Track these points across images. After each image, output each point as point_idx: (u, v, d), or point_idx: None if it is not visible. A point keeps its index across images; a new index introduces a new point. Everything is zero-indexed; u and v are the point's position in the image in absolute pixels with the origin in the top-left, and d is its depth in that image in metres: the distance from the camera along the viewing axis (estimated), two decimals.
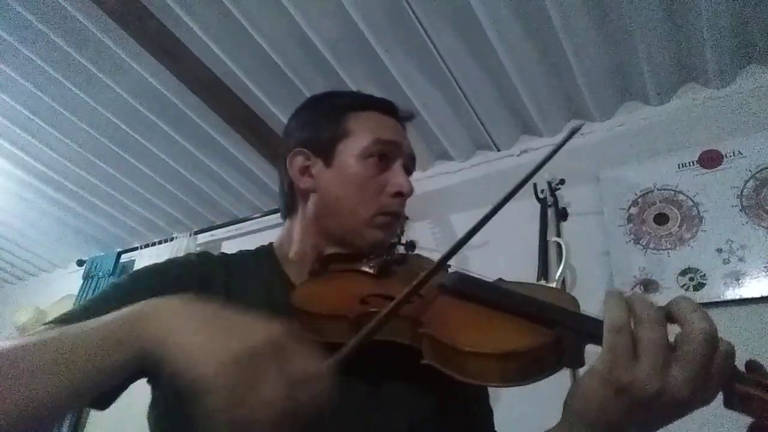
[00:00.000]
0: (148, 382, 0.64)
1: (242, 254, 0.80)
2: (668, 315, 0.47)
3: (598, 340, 0.50)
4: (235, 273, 0.72)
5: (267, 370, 0.39)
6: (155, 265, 0.71)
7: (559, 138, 2.01)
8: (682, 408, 0.46)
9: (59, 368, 0.42)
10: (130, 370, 0.44)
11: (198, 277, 0.69)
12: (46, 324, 0.57)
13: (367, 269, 0.71)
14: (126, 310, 0.45)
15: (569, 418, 0.52)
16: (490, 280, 0.66)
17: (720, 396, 0.47)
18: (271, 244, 0.82)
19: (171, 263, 0.72)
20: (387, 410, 0.63)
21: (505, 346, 0.51)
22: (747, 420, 0.46)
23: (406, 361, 0.61)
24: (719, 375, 0.45)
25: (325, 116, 0.78)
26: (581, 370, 0.53)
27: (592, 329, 0.51)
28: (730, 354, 0.45)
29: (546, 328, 0.53)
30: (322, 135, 0.76)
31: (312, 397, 0.41)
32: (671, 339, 0.46)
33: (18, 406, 0.40)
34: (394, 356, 0.61)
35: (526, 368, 0.51)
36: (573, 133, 0.65)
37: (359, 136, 0.75)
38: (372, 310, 0.59)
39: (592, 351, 0.55)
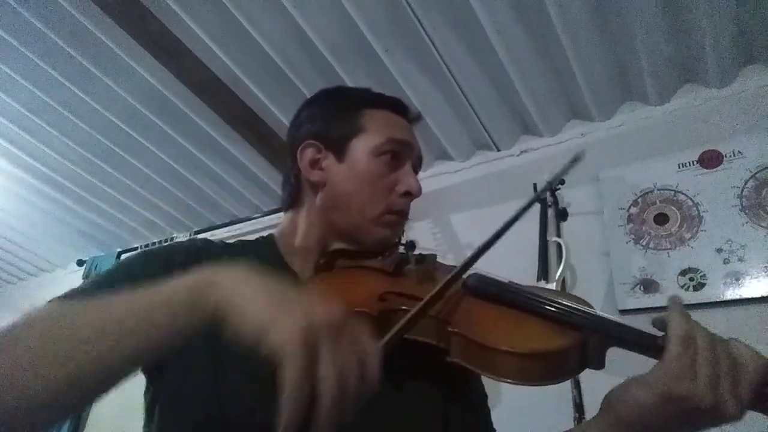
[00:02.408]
0: (147, 377, 0.64)
1: (243, 244, 0.79)
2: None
3: (625, 344, 0.52)
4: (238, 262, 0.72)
5: (330, 344, 0.40)
6: (162, 248, 0.71)
7: (559, 138, 2.02)
8: (722, 420, 0.48)
9: (129, 328, 0.43)
10: (192, 333, 0.45)
11: (205, 263, 0.68)
12: (59, 299, 0.58)
13: (381, 267, 0.71)
14: (190, 277, 0.46)
15: (612, 418, 0.54)
16: (509, 282, 0.67)
17: None
18: (271, 235, 0.81)
19: (177, 248, 0.71)
20: (397, 409, 0.63)
21: (538, 346, 0.53)
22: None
23: (419, 361, 0.61)
24: (753, 386, 0.48)
25: (339, 111, 0.78)
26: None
27: (620, 334, 0.53)
28: (758, 362, 0.49)
29: (573, 330, 0.54)
30: (334, 129, 0.77)
31: (365, 377, 0.42)
32: None
33: (83, 365, 0.41)
34: (408, 357, 0.61)
35: (554, 368, 0.53)
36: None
37: (373, 134, 0.75)
38: (395, 307, 0.59)
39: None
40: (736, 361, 0.48)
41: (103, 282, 0.63)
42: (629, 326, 0.54)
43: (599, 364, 0.54)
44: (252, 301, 0.43)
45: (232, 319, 0.43)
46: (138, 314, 0.44)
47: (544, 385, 0.53)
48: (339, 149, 0.76)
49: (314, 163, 0.77)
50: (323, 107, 0.81)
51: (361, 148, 0.75)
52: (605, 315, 0.56)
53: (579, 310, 0.57)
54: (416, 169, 0.80)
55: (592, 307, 0.60)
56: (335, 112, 0.78)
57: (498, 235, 0.60)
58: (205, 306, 0.44)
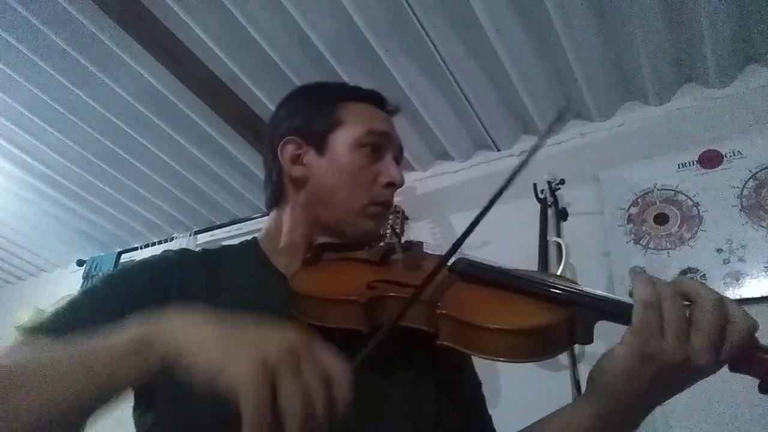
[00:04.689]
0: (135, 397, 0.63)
1: (224, 249, 0.78)
2: (681, 293, 0.51)
3: (610, 317, 0.53)
4: (218, 269, 0.70)
5: (289, 372, 0.40)
6: (131, 266, 0.69)
7: (559, 138, 2.02)
8: (700, 374, 0.50)
9: (79, 378, 0.43)
10: (143, 381, 0.45)
11: (178, 276, 0.67)
12: (25, 331, 0.56)
13: (368, 257, 0.71)
14: (134, 329, 0.46)
15: (595, 389, 0.55)
16: (495, 265, 0.67)
17: None
18: (254, 238, 0.80)
19: (147, 264, 0.70)
20: (389, 397, 0.63)
21: (525, 322, 0.53)
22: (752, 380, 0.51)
23: (409, 349, 0.61)
24: (736, 340, 0.48)
25: (317, 105, 0.78)
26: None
27: (605, 306, 0.54)
28: (753, 326, 0.49)
29: (560, 307, 0.55)
30: (314, 124, 0.76)
31: (333, 400, 0.41)
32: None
33: (34, 415, 0.42)
34: (397, 345, 0.61)
35: (544, 344, 0.53)
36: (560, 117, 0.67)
37: (352, 126, 0.75)
38: (384, 294, 0.60)
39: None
40: (727, 318, 0.49)
41: (69, 313, 0.61)
42: (614, 298, 0.54)
43: (588, 338, 0.55)
44: (201, 346, 0.43)
45: (184, 366, 0.42)
46: (81, 369, 0.44)
47: (534, 361, 0.53)
48: (319, 143, 0.75)
49: (295, 159, 0.76)
50: (301, 102, 0.81)
51: (342, 141, 0.74)
52: (591, 290, 0.56)
53: (565, 286, 0.57)
54: (398, 160, 0.79)
55: (579, 285, 0.60)
56: (314, 107, 0.78)
57: (479, 218, 0.59)
58: (149, 358, 0.44)
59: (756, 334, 0.50)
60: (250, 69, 1.92)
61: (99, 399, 0.44)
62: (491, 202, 0.59)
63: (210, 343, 0.43)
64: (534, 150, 0.64)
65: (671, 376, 0.49)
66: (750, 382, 0.50)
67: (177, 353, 0.43)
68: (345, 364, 0.44)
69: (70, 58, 1.97)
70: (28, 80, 2.10)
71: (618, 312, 0.52)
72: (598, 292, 0.56)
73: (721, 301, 0.49)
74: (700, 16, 1.54)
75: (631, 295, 0.52)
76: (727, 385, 1.23)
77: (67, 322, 0.58)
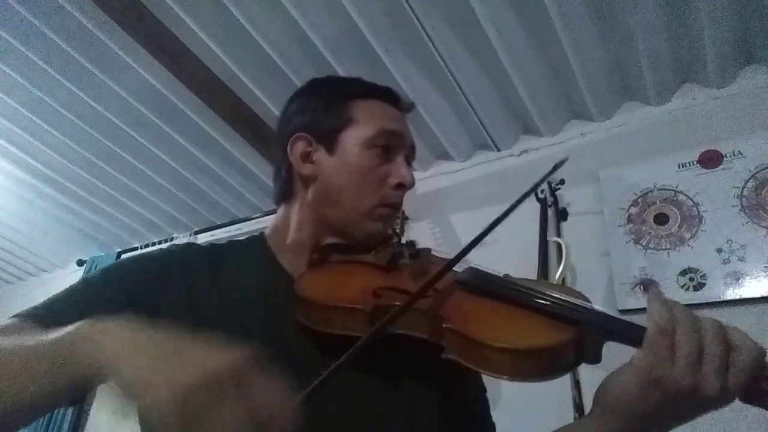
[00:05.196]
0: None
1: (231, 244, 0.78)
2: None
3: (621, 339, 0.52)
4: (224, 263, 0.70)
5: (222, 402, 0.35)
6: (130, 260, 0.69)
7: (559, 138, 2.02)
8: (709, 403, 0.49)
9: (23, 374, 0.42)
10: (73, 393, 0.43)
11: (180, 269, 0.67)
12: (13, 317, 0.56)
13: (375, 261, 0.70)
14: (68, 332, 0.43)
15: (601, 409, 0.54)
16: (501, 275, 0.66)
17: None
18: (262, 233, 0.79)
19: (149, 256, 0.69)
20: (387, 400, 0.63)
21: (534, 342, 0.52)
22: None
23: (412, 352, 0.61)
24: (745, 372, 0.48)
25: (329, 102, 0.76)
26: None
27: (616, 328, 0.53)
28: (760, 353, 0.49)
29: (568, 326, 0.54)
30: (325, 121, 0.75)
31: None
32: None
33: None
34: (402, 353, 0.60)
35: (550, 364, 0.53)
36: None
37: (364, 125, 0.73)
38: (389, 303, 0.59)
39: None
40: (730, 344, 0.48)
41: (62, 302, 0.60)
42: (626, 320, 0.53)
43: (596, 358, 0.54)
44: (129, 359, 0.39)
45: (110, 378, 0.39)
46: (25, 365, 0.42)
47: (540, 381, 0.52)
48: (330, 142, 0.73)
49: (305, 157, 0.74)
50: (313, 98, 0.79)
51: (352, 140, 0.73)
52: (601, 309, 0.55)
53: (574, 304, 0.56)
54: (409, 159, 0.78)
55: (589, 301, 0.59)
56: (325, 104, 0.76)
57: (484, 235, 0.59)
58: (81, 362, 0.41)
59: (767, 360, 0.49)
60: (249, 69, 1.92)
61: (43, 397, 0.42)
62: (493, 225, 0.59)
63: (137, 358, 0.38)
64: (519, 201, 0.64)
65: (678, 404, 0.49)
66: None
67: (106, 364, 0.39)
68: (292, 398, 0.39)
69: (70, 58, 1.97)
70: (28, 80, 2.10)
71: (629, 335, 0.51)
72: (609, 312, 0.55)
73: (721, 327, 0.49)
74: (700, 16, 1.54)
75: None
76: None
77: (58, 310, 0.57)
